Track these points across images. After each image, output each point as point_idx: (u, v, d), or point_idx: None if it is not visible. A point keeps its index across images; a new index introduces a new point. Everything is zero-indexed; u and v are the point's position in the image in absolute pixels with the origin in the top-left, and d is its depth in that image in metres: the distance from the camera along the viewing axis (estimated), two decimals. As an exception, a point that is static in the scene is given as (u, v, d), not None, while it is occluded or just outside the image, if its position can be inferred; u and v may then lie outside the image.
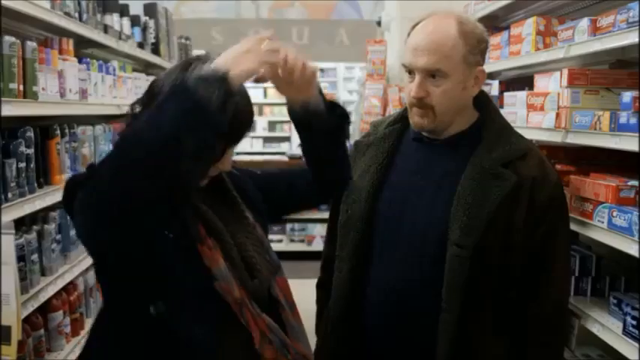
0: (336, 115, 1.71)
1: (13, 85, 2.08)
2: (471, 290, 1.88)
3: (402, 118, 2.11)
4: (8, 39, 2.05)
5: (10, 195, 2.07)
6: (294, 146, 11.74)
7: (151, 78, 4.08)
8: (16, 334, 1.88)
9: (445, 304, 1.90)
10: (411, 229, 1.97)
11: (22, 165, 2.18)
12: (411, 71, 1.94)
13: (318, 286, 2.30)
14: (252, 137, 13.67)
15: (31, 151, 2.27)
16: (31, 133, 2.27)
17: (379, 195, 2.03)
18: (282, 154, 10.55)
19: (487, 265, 1.89)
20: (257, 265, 1.62)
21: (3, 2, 1.95)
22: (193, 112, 1.30)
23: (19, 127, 2.25)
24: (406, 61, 1.93)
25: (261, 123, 13.89)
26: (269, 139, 13.74)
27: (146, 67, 4.53)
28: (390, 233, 2.00)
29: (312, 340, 2.13)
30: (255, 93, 14.03)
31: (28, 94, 2.20)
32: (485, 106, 2.05)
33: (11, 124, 2.23)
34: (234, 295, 1.52)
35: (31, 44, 2.22)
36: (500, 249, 1.89)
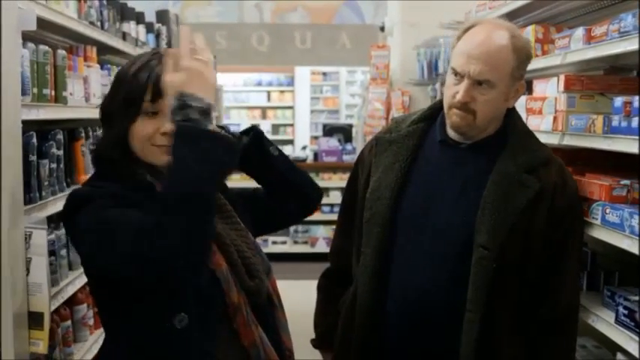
0: (248, 135, 1.85)
1: (46, 91, 2.23)
2: (494, 291, 1.93)
3: (428, 117, 2.14)
4: (42, 48, 2.20)
5: (44, 193, 2.22)
6: (297, 149, 11.86)
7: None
8: (47, 321, 2.01)
9: (470, 304, 1.93)
10: (435, 229, 2.00)
11: (54, 165, 2.33)
12: (457, 74, 1.97)
13: (324, 276, 2.33)
14: (256, 140, 13.82)
15: (60, 152, 2.41)
16: (60, 136, 2.42)
17: (403, 193, 2.05)
18: (286, 156, 10.64)
19: (509, 267, 1.95)
20: (256, 265, 1.71)
21: (37, 13, 2.08)
22: (228, 151, 1.46)
23: (49, 130, 2.40)
24: (457, 65, 1.96)
25: (264, 126, 13.99)
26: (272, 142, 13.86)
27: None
28: (414, 232, 2.03)
29: (308, 336, 2.24)
30: (259, 97, 14.19)
31: (59, 98, 2.35)
32: (509, 112, 2.09)
33: (41, 127, 2.37)
34: (232, 299, 1.62)
35: (61, 52, 2.37)
36: (521, 251, 1.96)
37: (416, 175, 2.06)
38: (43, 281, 2.05)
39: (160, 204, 1.41)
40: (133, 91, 1.59)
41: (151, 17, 4.35)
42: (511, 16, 3.52)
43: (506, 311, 1.99)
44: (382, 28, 7.41)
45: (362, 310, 2.07)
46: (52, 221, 2.55)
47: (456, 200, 2.00)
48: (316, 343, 2.30)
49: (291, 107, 14.07)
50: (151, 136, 1.61)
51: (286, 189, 1.89)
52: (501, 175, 1.97)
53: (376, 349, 2.06)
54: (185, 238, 1.39)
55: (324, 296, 2.32)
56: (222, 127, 1.73)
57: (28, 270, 1.98)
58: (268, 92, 14.26)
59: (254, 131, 1.87)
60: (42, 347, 2.00)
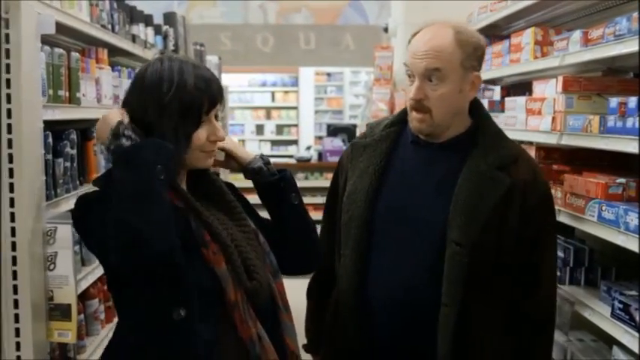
0: (278, 177, 1.92)
1: (61, 92, 2.30)
2: (470, 286, 1.97)
3: (400, 121, 2.20)
4: (57, 51, 2.28)
5: (59, 191, 2.30)
6: (301, 149, 11.93)
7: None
8: (75, 312, 2.09)
9: (445, 298, 1.97)
10: (412, 228, 2.04)
11: (68, 164, 2.40)
12: (411, 75, 2.06)
13: (314, 279, 2.37)
14: (260, 140, 13.90)
15: (74, 151, 2.48)
16: (74, 135, 2.49)
17: (378, 196, 2.09)
18: (290, 157, 10.73)
19: (483, 263, 1.98)
20: (256, 267, 1.77)
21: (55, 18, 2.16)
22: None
23: (63, 130, 2.48)
24: (408, 66, 2.07)
25: (269, 127, 14.10)
26: (277, 143, 13.93)
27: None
28: (391, 232, 2.07)
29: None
30: (263, 97, 14.28)
31: (73, 99, 2.42)
32: (478, 112, 2.15)
33: (55, 127, 2.45)
34: (230, 296, 1.68)
35: (75, 55, 2.45)
36: (495, 247, 1.99)
37: (392, 176, 2.11)
38: (69, 273, 2.11)
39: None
40: (194, 103, 1.70)
41: (158, 19, 4.43)
42: (512, 18, 3.60)
43: (483, 306, 2.02)
44: (386, 29, 7.48)
45: (345, 311, 2.13)
46: (66, 218, 2.62)
47: (430, 199, 2.04)
48: (308, 348, 2.37)
49: (295, 107, 14.16)
50: (203, 143, 1.73)
51: (287, 237, 1.93)
52: (472, 173, 2.02)
53: (362, 348, 2.11)
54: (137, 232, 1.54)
55: (314, 301, 2.37)
56: (266, 162, 1.93)
57: (54, 264, 2.06)
58: (272, 93, 14.34)
59: (283, 174, 1.94)
60: (71, 337, 2.08)
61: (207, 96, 1.71)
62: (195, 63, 1.79)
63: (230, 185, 1.93)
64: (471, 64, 2.04)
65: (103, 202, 1.61)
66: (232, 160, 1.94)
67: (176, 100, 1.68)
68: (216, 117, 1.77)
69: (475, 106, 2.15)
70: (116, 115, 1.69)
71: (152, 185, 1.56)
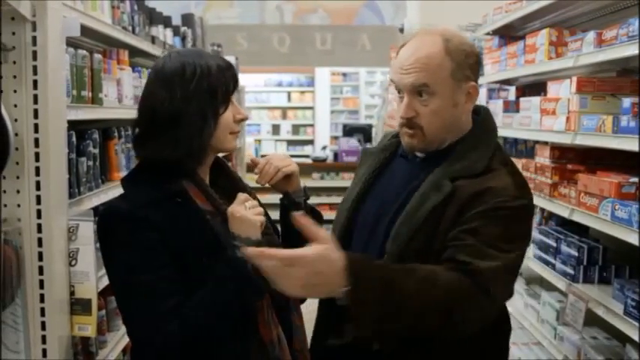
0: (311, 212, 1.94)
1: (84, 93, 2.37)
2: None
3: None
4: (81, 52, 2.34)
5: (82, 189, 2.36)
6: (317, 149, 11.98)
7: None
8: (95, 306, 2.16)
9: None
10: (382, 240, 1.91)
11: (90, 163, 2.47)
12: (400, 90, 1.89)
13: None
14: (277, 140, 13.95)
15: (96, 150, 2.55)
16: (96, 135, 2.55)
17: (361, 205, 2.03)
18: (307, 156, 10.78)
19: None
20: None
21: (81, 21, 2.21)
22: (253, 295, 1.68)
23: (85, 130, 2.54)
24: (395, 82, 1.90)
25: (285, 126, 14.14)
26: (293, 142, 13.96)
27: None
28: (365, 242, 1.98)
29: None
30: (279, 97, 14.34)
31: (95, 100, 2.49)
32: (476, 121, 1.97)
33: (78, 127, 2.51)
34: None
35: (97, 56, 2.51)
36: (420, 256, 1.79)
37: (377, 186, 2.04)
38: (90, 270, 2.17)
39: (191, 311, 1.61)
40: (220, 84, 1.71)
41: (176, 19, 4.49)
42: (527, 19, 3.63)
43: None
44: (402, 30, 7.50)
45: (321, 317, 2.10)
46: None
47: (395, 211, 1.91)
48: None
49: (311, 108, 14.20)
50: (230, 124, 1.75)
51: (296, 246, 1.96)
52: (427, 184, 1.87)
53: (339, 351, 2.02)
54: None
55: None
56: (307, 197, 1.97)
57: (76, 260, 2.12)
58: (289, 93, 14.39)
59: (314, 213, 1.97)
60: (91, 331, 2.14)
61: (232, 75, 1.74)
62: (206, 52, 1.83)
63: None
64: (463, 75, 1.87)
65: (128, 221, 1.64)
66: (285, 184, 1.95)
67: (204, 82, 1.69)
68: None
69: (478, 114, 1.99)
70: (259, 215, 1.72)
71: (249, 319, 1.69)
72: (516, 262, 1.81)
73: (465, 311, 1.67)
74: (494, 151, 1.91)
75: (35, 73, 1.89)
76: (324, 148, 10.73)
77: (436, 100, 1.85)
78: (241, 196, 1.72)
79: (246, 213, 1.68)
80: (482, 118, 1.99)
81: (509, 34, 3.98)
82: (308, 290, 1.53)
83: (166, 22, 3.94)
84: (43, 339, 1.96)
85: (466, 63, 1.87)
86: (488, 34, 4.22)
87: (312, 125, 14.14)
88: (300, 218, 1.53)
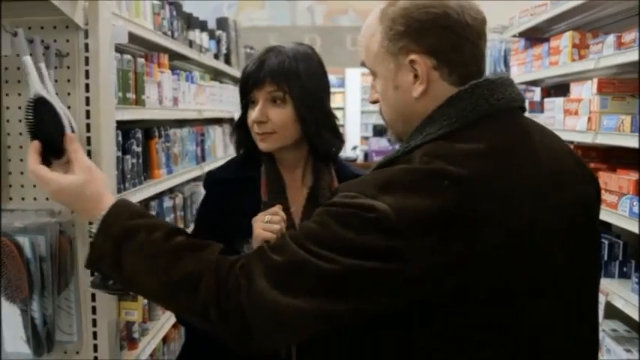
0: None
1: (129, 95, 2.53)
2: None
3: None
4: (126, 57, 2.50)
5: (127, 185, 2.52)
6: (348, 149, 12.08)
7: (224, 86, 4.54)
8: (141, 293, 2.32)
9: None
10: None
11: (134, 161, 2.63)
12: None
13: None
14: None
15: (139, 149, 2.72)
16: (139, 134, 2.72)
17: None
18: (337, 156, 10.84)
19: None
20: None
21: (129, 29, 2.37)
22: None
23: (129, 129, 2.70)
24: None
25: (315, 127, 14.27)
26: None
27: (216, 75, 4.98)
28: None
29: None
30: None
31: (138, 101, 2.65)
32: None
33: (122, 127, 2.67)
34: None
35: (140, 60, 2.67)
36: None
37: None
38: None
39: None
40: (242, 84, 1.95)
41: (211, 24, 4.65)
42: (551, 22, 3.73)
43: None
44: (431, 31, 7.57)
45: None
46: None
47: None
48: None
49: (342, 108, 14.30)
50: (251, 123, 1.95)
51: None
52: None
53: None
54: None
55: None
56: None
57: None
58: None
59: None
60: (137, 316, 2.29)
61: (248, 76, 1.94)
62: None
63: None
64: (397, 46, 1.37)
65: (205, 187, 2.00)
66: None
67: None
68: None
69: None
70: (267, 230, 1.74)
71: None
72: (324, 273, 1.24)
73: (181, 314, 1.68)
74: (437, 139, 1.32)
75: (87, 77, 2.03)
76: (354, 148, 10.84)
77: (379, 83, 1.44)
78: (273, 207, 1.79)
79: (257, 225, 1.75)
80: (459, 97, 1.35)
81: (535, 36, 4.07)
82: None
83: (202, 26, 4.10)
84: (94, 322, 2.11)
85: (394, 28, 1.37)
86: (514, 36, 4.31)
87: (342, 125, 14.24)
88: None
